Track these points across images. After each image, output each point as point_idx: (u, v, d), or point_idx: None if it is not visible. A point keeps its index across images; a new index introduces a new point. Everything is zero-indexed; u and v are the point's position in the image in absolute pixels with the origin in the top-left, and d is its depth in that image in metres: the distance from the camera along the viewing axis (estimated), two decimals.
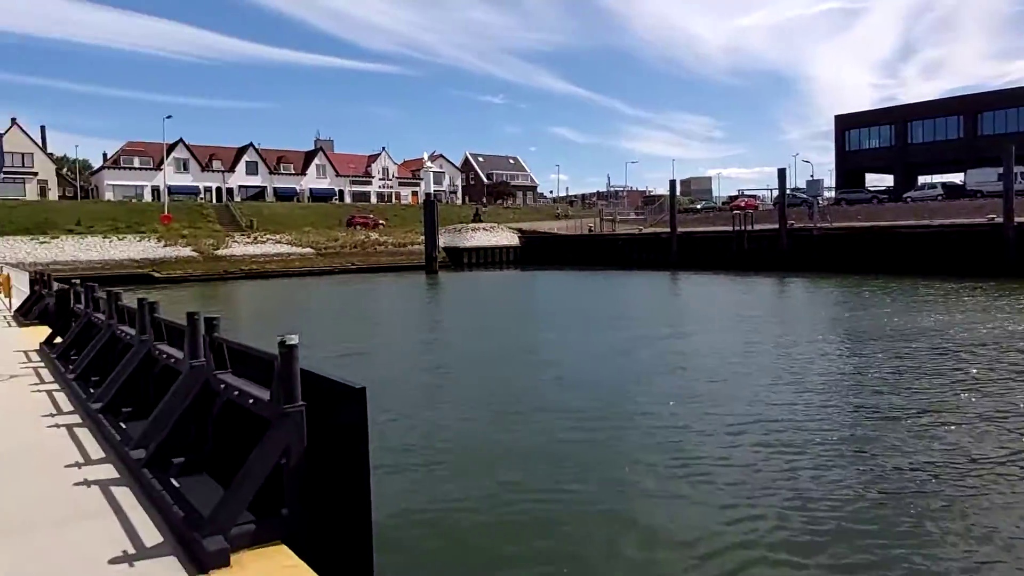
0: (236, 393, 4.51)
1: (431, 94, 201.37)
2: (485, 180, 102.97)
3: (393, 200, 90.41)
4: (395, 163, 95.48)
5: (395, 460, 8.92)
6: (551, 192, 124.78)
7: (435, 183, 62.25)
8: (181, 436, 5.13)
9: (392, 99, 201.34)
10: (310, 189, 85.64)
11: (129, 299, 9.08)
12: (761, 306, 26.93)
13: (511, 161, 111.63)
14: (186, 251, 53.81)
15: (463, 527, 7.13)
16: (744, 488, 7.80)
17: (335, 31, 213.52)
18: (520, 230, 68.78)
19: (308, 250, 58.57)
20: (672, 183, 56.75)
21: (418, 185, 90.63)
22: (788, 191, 50.56)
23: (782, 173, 49.83)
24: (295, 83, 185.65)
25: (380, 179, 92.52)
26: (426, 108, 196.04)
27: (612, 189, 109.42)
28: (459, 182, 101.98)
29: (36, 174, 72.21)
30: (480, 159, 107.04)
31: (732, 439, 9.55)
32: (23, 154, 70.43)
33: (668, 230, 53.17)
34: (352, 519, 3.89)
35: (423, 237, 58.03)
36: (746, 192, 74.51)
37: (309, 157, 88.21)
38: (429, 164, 63.10)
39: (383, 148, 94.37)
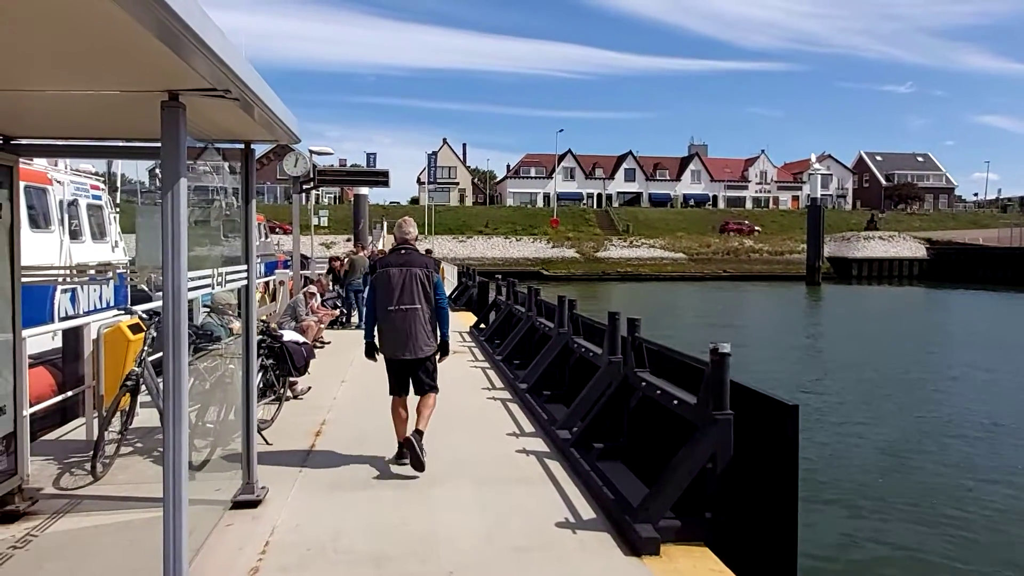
0: (658, 392, 4.73)
1: (818, 89, 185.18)
2: (883, 182, 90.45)
3: (771, 205, 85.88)
4: (774, 166, 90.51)
5: (814, 480, 8.56)
6: (975, 195, 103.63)
7: (821, 186, 56.93)
8: (599, 424, 5.61)
9: (772, 98, 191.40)
10: (684, 194, 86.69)
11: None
12: None
13: (919, 159, 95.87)
14: (570, 252, 59.50)
15: (885, 560, 6.67)
16: None
17: (712, 33, 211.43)
18: (929, 240, 58.85)
19: (680, 255, 59.42)
20: None
21: (799, 189, 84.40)
22: None
23: None
24: (672, 90, 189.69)
25: (757, 183, 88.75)
26: (812, 105, 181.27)
27: None
28: (850, 185, 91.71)
29: (458, 184, 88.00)
30: (878, 158, 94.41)
31: None
32: (449, 167, 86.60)
33: None
34: (779, 534, 3.77)
35: (803, 245, 53.85)
36: None
37: (684, 163, 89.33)
38: (817, 165, 58.01)
39: (762, 151, 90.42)
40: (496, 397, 7.84)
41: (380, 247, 39.16)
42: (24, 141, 4.01)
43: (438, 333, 5.26)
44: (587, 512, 4.35)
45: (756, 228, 67.46)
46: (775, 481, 3.82)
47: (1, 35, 2.20)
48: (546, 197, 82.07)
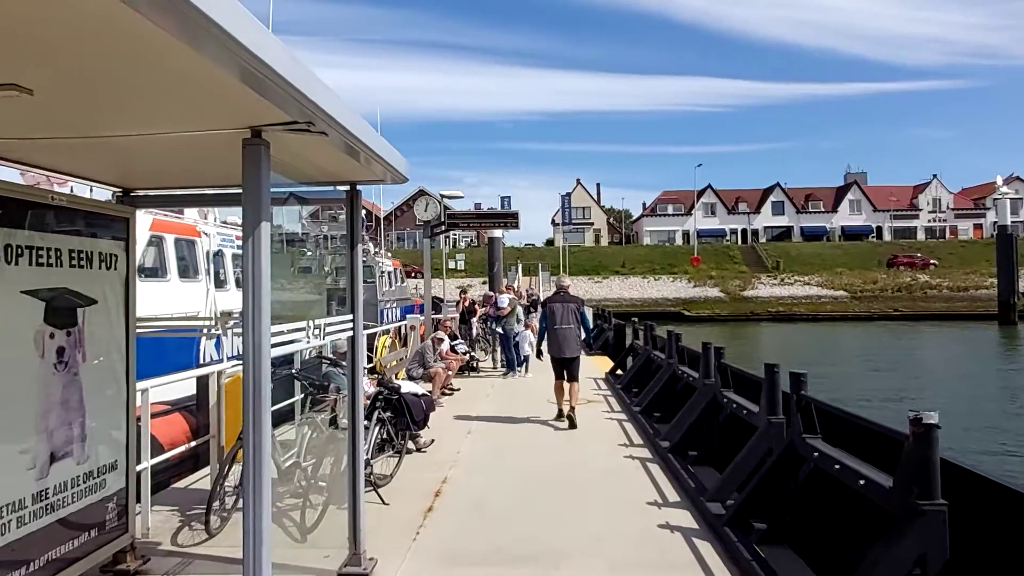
0: (837, 467, 3.78)
1: (999, 105, 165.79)
2: None
3: (947, 235, 77.14)
4: (949, 192, 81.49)
5: None
6: None
7: (1011, 212, 50.16)
8: (760, 499, 4.68)
9: (942, 118, 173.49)
10: (841, 227, 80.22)
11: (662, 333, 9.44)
12: None
13: None
14: (714, 291, 56.61)
15: None
16: None
17: (863, 53, 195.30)
18: None
19: (841, 293, 54.60)
20: None
21: (983, 216, 75.25)
22: None
23: None
24: (819, 116, 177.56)
25: (929, 211, 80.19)
26: (991, 123, 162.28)
27: None
28: None
29: (592, 224, 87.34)
30: None
31: None
32: (583, 208, 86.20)
33: None
34: None
35: (992, 280, 47.39)
36: None
37: (841, 192, 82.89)
38: (1004, 189, 51.09)
39: (933, 176, 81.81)
40: (634, 455, 7.04)
41: (516, 286, 39.40)
42: (140, 193, 3.99)
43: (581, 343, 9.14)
44: None
45: (932, 261, 60.64)
46: None
47: (108, 89, 2.30)
48: (685, 235, 79.29)
